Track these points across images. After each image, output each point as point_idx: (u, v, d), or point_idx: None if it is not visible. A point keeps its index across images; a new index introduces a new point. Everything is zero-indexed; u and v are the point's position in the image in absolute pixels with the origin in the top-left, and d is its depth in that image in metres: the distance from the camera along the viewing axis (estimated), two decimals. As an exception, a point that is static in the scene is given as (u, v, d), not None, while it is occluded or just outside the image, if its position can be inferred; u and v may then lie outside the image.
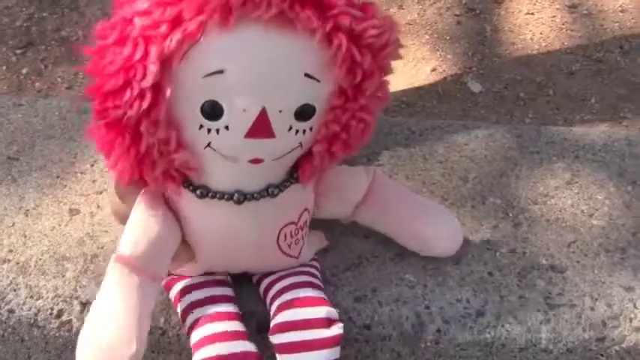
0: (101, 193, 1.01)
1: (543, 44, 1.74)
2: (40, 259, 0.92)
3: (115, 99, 0.67)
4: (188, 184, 0.76)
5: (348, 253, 0.93)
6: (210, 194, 0.76)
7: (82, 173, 1.04)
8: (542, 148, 1.11)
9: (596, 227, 0.98)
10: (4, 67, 1.66)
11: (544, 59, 1.70)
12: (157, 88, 0.66)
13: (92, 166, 1.06)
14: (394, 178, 1.04)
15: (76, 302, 0.88)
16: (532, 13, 1.82)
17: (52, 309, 0.88)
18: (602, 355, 0.87)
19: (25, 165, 1.06)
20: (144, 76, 0.65)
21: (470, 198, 1.02)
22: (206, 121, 0.69)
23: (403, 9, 1.83)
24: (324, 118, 0.73)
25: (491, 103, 1.59)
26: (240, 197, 0.75)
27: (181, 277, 0.84)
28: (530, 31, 1.77)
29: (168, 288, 0.85)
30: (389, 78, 0.76)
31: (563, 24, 1.79)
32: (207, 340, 0.77)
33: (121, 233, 0.92)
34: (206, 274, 0.85)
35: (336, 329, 0.78)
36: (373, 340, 0.87)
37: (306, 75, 0.68)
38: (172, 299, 0.84)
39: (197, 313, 0.80)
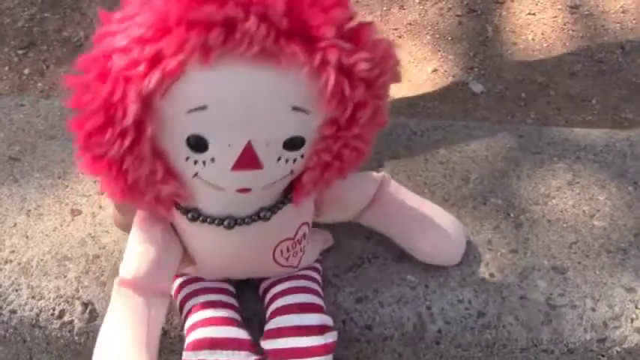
0: (103, 193, 1.01)
1: (545, 45, 1.74)
2: (42, 260, 0.92)
3: (97, 137, 0.65)
4: (180, 206, 0.75)
5: (350, 254, 0.93)
6: (201, 218, 0.75)
7: (83, 174, 1.04)
8: (543, 149, 1.11)
9: (597, 228, 0.98)
10: (6, 68, 1.67)
11: (545, 60, 1.70)
12: (140, 125, 0.64)
13: (94, 166, 1.06)
14: (396, 179, 1.04)
15: (77, 303, 0.88)
16: (533, 14, 1.82)
17: (53, 309, 0.88)
18: (603, 356, 0.87)
19: (26, 165, 1.06)
20: (124, 115, 0.63)
21: (471, 198, 1.02)
22: (192, 153, 0.67)
23: (404, 9, 1.84)
24: (316, 147, 0.70)
25: (492, 104, 1.59)
26: (231, 222, 0.74)
27: (184, 274, 0.85)
28: (531, 31, 1.77)
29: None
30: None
31: (564, 24, 1.79)
32: (200, 324, 0.78)
33: (122, 234, 0.93)
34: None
35: (330, 337, 0.78)
36: (374, 341, 0.87)
37: (294, 108, 0.65)
38: (172, 292, 0.85)
39: (193, 301, 0.81)
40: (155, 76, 0.61)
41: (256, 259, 0.81)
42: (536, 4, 1.85)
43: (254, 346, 0.78)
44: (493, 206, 1.01)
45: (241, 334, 0.78)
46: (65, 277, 0.90)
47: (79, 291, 0.89)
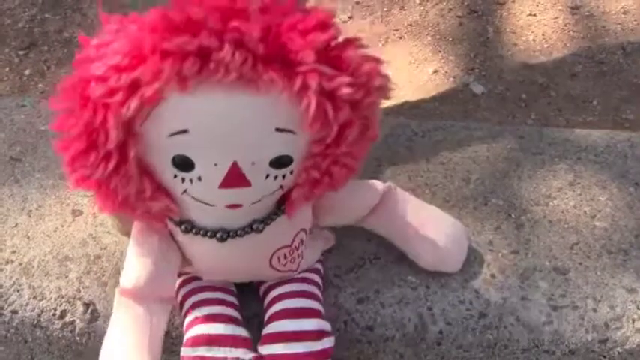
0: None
1: (545, 46, 1.74)
2: (44, 260, 0.92)
3: (82, 160, 0.66)
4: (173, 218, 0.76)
5: (351, 255, 0.93)
6: (194, 230, 0.75)
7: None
8: (544, 150, 1.11)
9: (598, 229, 0.98)
10: (7, 69, 1.67)
11: (546, 61, 1.70)
12: (124, 148, 0.64)
13: (95, 167, 1.06)
14: (397, 180, 1.04)
15: (79, 303, 0.88)
16: (534, 15, 1.82)
17: (55, 309, 0.88)
18: (604, 357, 0.87)
19: (28, 166, 1.06)
20: (107, 139, 0.63)
21: (472, 199, 1.02)
22: (179, 172, 0.67)
23: (405, 10, 1.84)
24: (304, 164, 0.70)
25: (493, 105, 1.59)
26: (224, 235, 0.74)
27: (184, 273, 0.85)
28: (532, 32, 1.78)
29: None
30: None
31: (565, 25, 1.79)
32: (198, 320, 0.78)
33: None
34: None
35: (327, 342, 0.78)
36: (376, 342, 0.87)
37: (278, 129, 0.65)
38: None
39: (193, 298, 0.81)
40: (133, 104, 0.61)
41: (252, 267, 0.81)
42: (537, 5, 1.85)
43: (252, 344, 0.78)
44: (494, 207, 1.01)
45: (240, 331, 0.78)
46: (66, 277, 0.90)
47: (80, 291, 0.89)
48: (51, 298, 0.88)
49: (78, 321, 0.87)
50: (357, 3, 1.85)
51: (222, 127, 0.64)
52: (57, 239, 0.95)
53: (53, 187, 1.03)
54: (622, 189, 1.04)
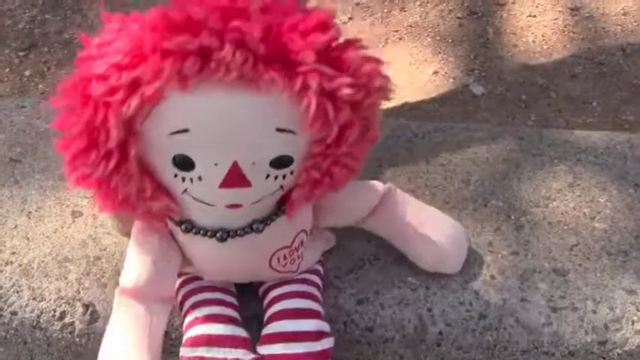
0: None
1: (545, 47, 1.74)
2: (43, 261, 0.92)
3: (82, 158, 0.66)
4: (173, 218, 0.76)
5: (351, 256, 0.93)
6: (194, 230, 0.75)
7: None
8: (544, 151, 1.11)
9: (598, 230, 0.98)
10: (7, 69, 1.67)
11: (546, 62, 1.70)
12: (124, 146, 0.64)
13: (95, 168, 1.06)
14: (397, 181, 1.04)
15: (78, 304, 0.88)
16: (534, 16, 1.82)
17: (54, 311, 0.88)
18: (604, 358, 0.87)
19: (27, 167, 1.06)
20: (107, 138, 0.63)
21: (472, 200, 1.02)
22: (179, 171, 0.67)
23: (405, 11, 1.84)
24: (304, 164, 0.70)
25: (493, 106, 1.59)
26: (224, 235, 0.74)
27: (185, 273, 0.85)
28: (532, 33, 1.78)
29: None
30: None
31: (565, 27, 1.79)
32: (198, 321, 0.78)
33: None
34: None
35: (327, 342, 0.78)
36: (375, 343, 0.87)
37: (279, 129, 0.65)
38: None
39: (193, 299, 0.81)
40: (134, 102, 0.61)
41: (252, 268, 0.81)
42: (537, 7, 1.85)
43: (252, 345, 0.78)
44: (494, 208, 1.01)
45: (239, 332, 0.78)
46: (66, 278, 0.90)
47: (79, 292, 0.89)
48: (50, 299, 0.88)
49: (77, 322, 0.87)
50: (357, 4, 1.85)
51: (223, 127, 0.64)
52: (56, 240, 0.95)
53: (53, 188, 1.03)
54: (622, 190, 1.04)
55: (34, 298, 0.89)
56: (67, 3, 1.83)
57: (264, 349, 0.78)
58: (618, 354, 0.87)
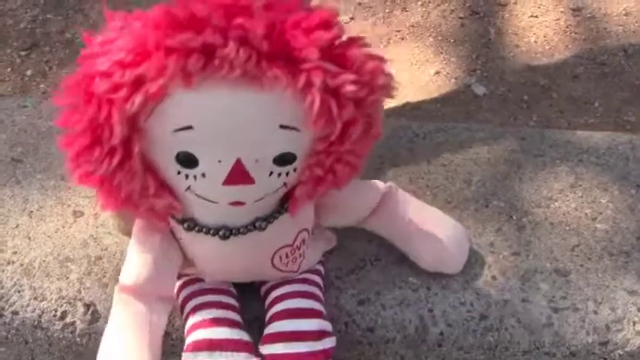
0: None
1: (547, 47, 1.74)
2: (44, 261, 0.92)
3: (86, 155, 0.66)
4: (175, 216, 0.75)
5: (352, 256, 0.93)
6: (196, 228, 0.75)
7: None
8: (545, 152, 1.11)
9: (599, 231, 0.98)
10: (9, 69, 1.67)
11: (548, 62, 1.70)
12: (128, 143, 0.65)
13: (96, 167, 1.06)
14: (398, 181, 1.04)
15: (79, 304, 0.88)
16: (536, 16, 1.82)
17: (55, 310, 0.88)
18: (605, 359, 0.87)
19: (29, 167, 1.06)
20: (111, 135, 0.63)
21: (473, 201, 1.02)
22: (182, 168, 0.67)
23: (407, 11, 1.84)
24: (308, 161, 0.70)
25: (494, 106, 1.59)
26: (227, 233, 0.74)
27: (186, 275, 0.85)
28: (534, 34, 1.78)
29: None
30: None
31: (567, 27, 1.79)
32: (199, 325, 0.78)
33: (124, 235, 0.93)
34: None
35: (328, 342, 0.78)
36: (376, 343, 0.87)
37: (282, 126, 0.65)
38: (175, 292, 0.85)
39: (194, 302, 0.81)
40: (138, 100, 0.61)
41: (254, 266, 0.81)
42: (539, 7, 1.85)
43: (254, 348, 0.78)
44: (495, 209, 1.01)
45: (241, 335, 0.78)
46: (67, 278, 0.90)
47: (81, 292, 0.89)
48: (52, 299, 0.88)
49: (78, 322, 0.87)
50: (359, 4, 1.85)
51: (227, 124, 0.64)
52: (58, 240, 0.95)
53: (54, 187, 1.03)
54: (623, 191, 1.04)
55: (35, 298, 0.89)
56: (68, 2, 1.83)
57: (265, 349, 0.78)
58: (619, 355, 0.87)
